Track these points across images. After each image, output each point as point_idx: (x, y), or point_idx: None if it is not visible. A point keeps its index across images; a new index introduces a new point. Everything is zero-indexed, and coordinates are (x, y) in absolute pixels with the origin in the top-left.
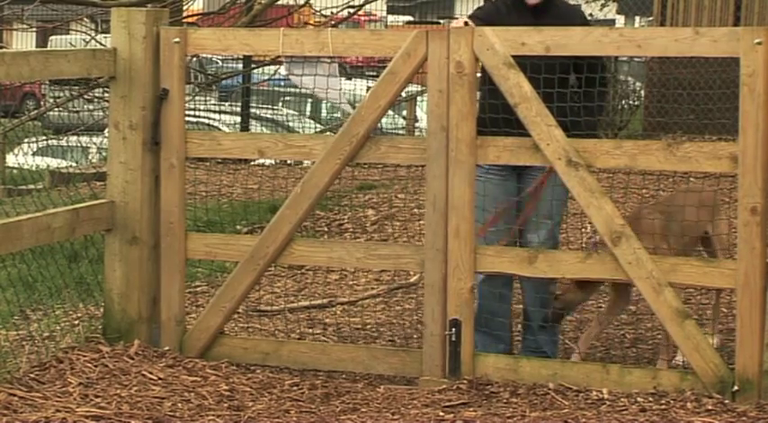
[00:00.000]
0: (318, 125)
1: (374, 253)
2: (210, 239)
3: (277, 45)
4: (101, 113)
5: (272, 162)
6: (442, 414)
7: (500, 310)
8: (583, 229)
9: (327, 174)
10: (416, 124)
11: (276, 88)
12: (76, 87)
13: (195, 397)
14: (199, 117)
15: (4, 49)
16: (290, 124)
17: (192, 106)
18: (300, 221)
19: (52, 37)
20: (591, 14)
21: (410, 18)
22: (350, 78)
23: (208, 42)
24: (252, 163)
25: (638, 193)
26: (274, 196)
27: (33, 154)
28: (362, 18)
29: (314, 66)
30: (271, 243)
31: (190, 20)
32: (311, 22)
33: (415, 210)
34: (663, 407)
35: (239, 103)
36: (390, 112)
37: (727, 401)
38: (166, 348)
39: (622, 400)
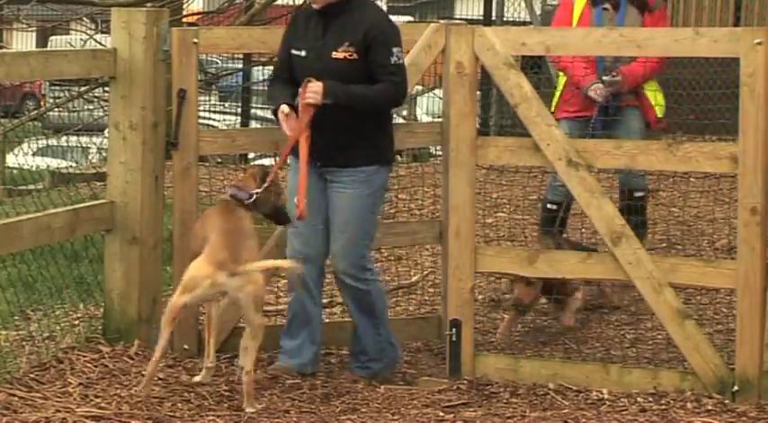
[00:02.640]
0: None
1: (391, 231)
2: None
3: None
4: (101, 113)
5: (273, 162)
6: (441, 414)
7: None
8: (583, 229)
9: None
10: None
11: None
12: (77, 87)
13: (195, 397)
14: (198, 117)
15: (4, 50)
16: None
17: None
18: None
19: (52, 37)
20: None
21: (410, 18)
22: None
23: (222, 41)
24: (251, 163)
25: None
26: None
27: (33, 154)
28: None
29: None
30: None
31: (189, 20)
32: None
33: (416, 211)
34: (663, 407)
35: (239, 104)
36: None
37: (727, 401)
38: (185, 347)
39: (622, 400)
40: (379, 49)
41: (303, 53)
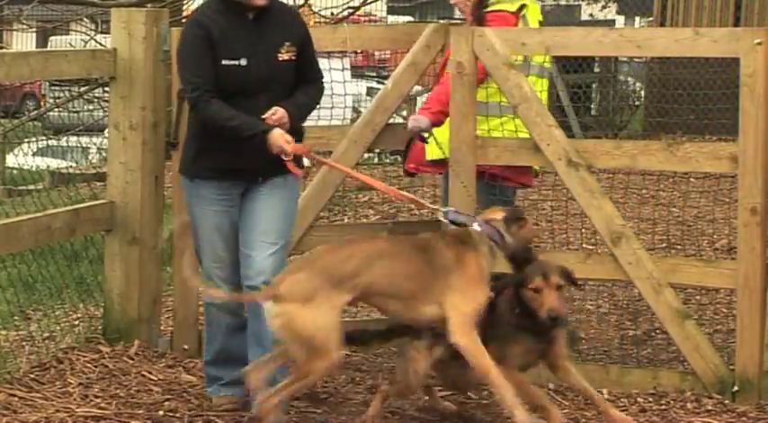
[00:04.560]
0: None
1: (393, 231)
2: None
3: None
4: (101, 113)
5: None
6: (441, 414)
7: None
8: (583, 229)
9: (353, 161)
10: None
11: None
12: (77, 88)
13: (195, 397)
14: None
15: (4, 50)
16: None
17: None
18: (322, 209)
19: (52, 37)
20: (591, 15)
21: (410, 18)
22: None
23: None
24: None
25: (638, 193)
26: None
27: (33, 154)
28: (362, 18)
29: (326, 61)
30: (295, 230)
31: None
32: (311, 23)
33: (415, 211)
34: (663, 407)
35: None
36: None
37: (727, 401)
38: (185, 347)
39: (622, 400)
40: (311, 45)
41: (243, 62)
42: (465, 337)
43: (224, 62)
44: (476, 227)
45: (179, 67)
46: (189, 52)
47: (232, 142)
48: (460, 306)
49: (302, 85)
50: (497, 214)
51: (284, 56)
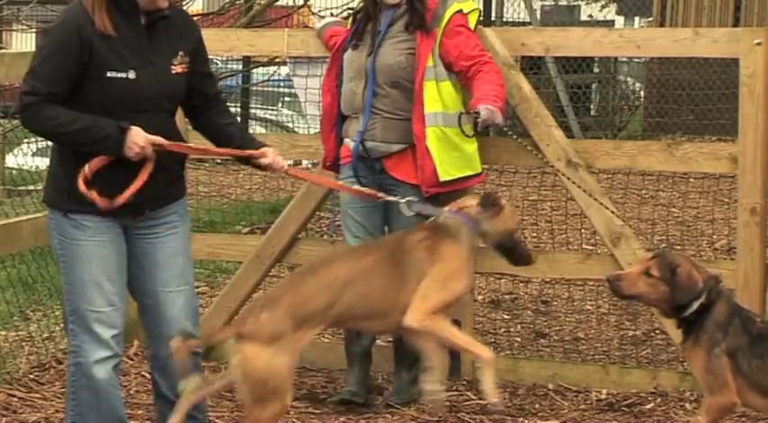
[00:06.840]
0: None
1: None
2: (213, 240)
3: (281, 46)
4: None
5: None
6: (441, 414)
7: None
8: (583, 229)
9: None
10: None
11: (276, 89)
12: None
13: None
14: None
15: (4, 50)
16: (289, 125)
17: None
18: (306, 220)
19: None
20: (590, 15)
21: None
22: None
23: (210, 43)
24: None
25: (638, 193)
26: (274, 197)
27: (33, 154)
28: None
29: (319, 67)
30: (277, 242)
31: None
32: (310, 24)
33: None
34: (663, 407)
35: (238, 104)
36: None
37: None
38: None
39: (622, 400)
40: (205, 52)
41: (131, 75)
42: (423, 319)
43: (109, 74)
44: (445, 216)
45: (30, 67)
46: (49, 56)
47: (120, 169)
48: (428, 293)
49: (211, 107)
50: (469, 201)
51: (177, 68)
